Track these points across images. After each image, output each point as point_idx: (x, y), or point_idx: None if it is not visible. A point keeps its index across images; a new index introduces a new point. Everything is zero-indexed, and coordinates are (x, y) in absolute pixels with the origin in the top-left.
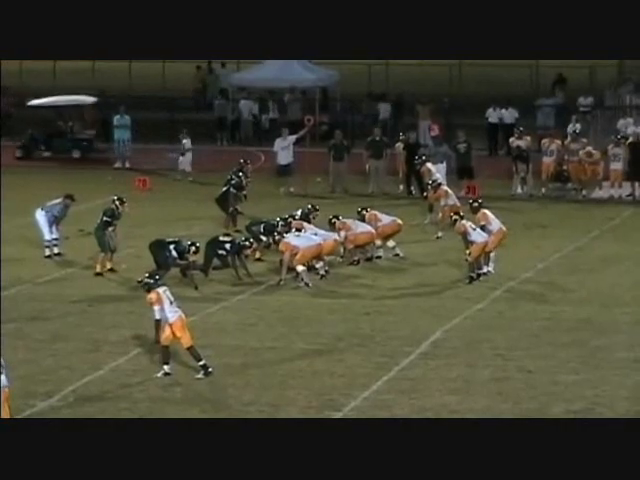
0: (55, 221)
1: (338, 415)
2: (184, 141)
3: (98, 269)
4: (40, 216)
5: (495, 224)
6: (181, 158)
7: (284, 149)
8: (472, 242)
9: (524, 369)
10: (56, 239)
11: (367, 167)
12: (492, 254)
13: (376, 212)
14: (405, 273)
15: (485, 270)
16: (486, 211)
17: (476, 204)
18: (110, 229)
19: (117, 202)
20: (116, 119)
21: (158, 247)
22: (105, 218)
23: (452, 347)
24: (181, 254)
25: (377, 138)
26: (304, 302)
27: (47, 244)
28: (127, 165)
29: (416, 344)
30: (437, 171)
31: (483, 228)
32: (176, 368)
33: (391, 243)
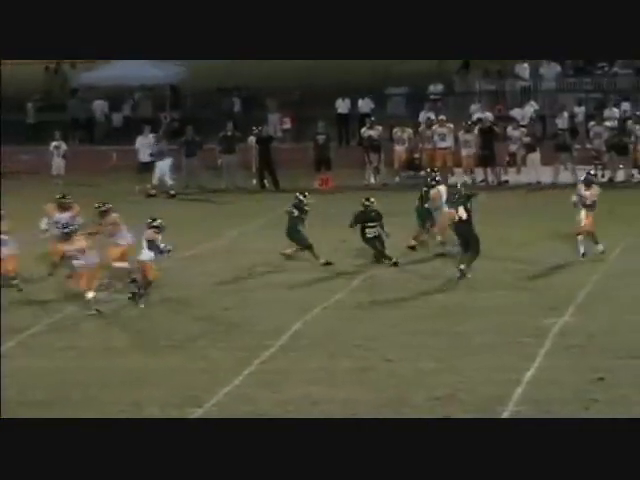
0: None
1: (200, 411)
2: (56, 143)
3: None
4: None
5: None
6: (57, 160)
7: (145, 147)
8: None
9: (385, 358)
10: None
11: (219, 162)
12: None
13: None
14: (261, 267)
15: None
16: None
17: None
18: None
19: None
20: None
21: None
22: None
23: (312, 338)
24: None
25: (229, 133)
26: (157, 299)
27: None
28: None
29: (276, 337)
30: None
31: None
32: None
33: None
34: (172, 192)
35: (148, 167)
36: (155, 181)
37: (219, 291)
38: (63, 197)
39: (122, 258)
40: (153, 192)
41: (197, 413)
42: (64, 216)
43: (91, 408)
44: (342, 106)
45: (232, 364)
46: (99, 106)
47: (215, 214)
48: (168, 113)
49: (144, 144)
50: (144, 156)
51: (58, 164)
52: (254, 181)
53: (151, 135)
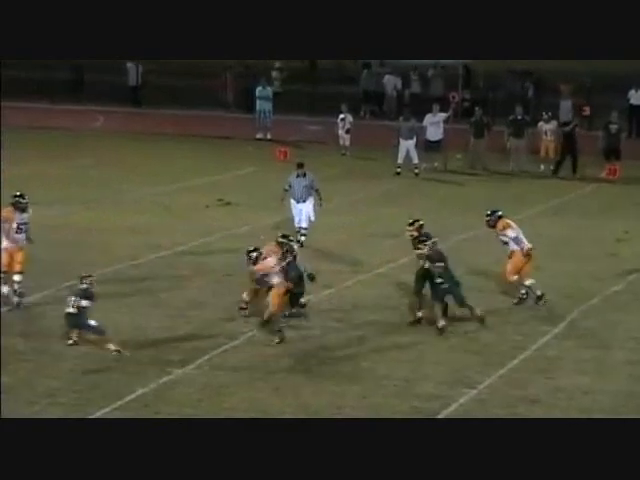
0: None
1: (473, 392)
2: (344, 115)
3: None
4: None
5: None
6: (340, 132)
7: (433, 125)
8: None
9: None
10: None
11: (507, 145)
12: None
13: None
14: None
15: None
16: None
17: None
18: None
19: None
20: (258, 90)
21: None
22: None
23: (587, 328)
24: None
25: (519, 116)
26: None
27: None
28: (268, 136)
29: (552, 324)
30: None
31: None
32: (316, 342)
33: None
34: (416, 171)
35: (435, 145)
36: (400, 160)
37: (495, 275)
38: None
39: None
40: (399, 170)
41: (469, 395)
42: None
43: (361, 380)
44: (635, 97)
45: (507, 348)
46: (390, 81)
47: (498, 197)
48: (459, 92)
49: (433, 122)
50: (432, 134)
51: (342, 136)
52: (541, 166)
53: (440, 113)
